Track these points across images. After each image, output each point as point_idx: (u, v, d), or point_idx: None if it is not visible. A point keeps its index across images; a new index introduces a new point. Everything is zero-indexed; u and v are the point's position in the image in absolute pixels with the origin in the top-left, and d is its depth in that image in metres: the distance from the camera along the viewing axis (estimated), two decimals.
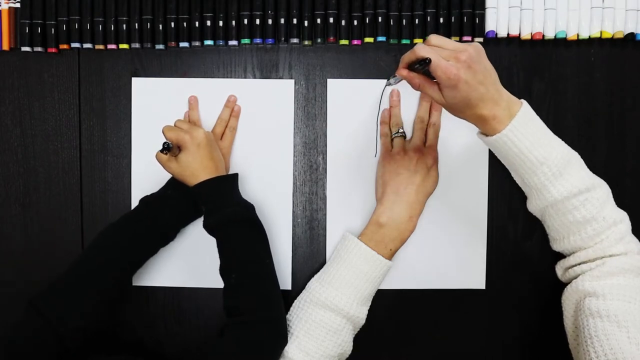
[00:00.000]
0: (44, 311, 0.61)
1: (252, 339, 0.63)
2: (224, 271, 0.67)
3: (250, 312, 0.64)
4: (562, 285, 0.69)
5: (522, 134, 0.61)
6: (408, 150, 0.73)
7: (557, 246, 0.70)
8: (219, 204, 0.68)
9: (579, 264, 0.66)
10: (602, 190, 0.65)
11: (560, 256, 0.72)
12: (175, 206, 0.72)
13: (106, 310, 0.68)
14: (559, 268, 0.71)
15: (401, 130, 0.74)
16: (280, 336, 0.66)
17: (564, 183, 0.63)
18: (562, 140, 0.67)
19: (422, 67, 0.60)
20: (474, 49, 0.59)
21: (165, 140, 0.67)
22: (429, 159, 0.73)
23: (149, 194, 0.73)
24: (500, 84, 0.62)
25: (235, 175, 0.72)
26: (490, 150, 0.75)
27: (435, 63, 0.58)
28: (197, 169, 0.67)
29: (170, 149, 0.66)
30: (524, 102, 0.63)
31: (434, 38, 0.61)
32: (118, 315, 0.77)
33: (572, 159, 0.65)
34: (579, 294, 0.64)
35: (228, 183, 0.70)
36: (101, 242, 0.69)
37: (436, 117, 0.75)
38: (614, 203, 0.66)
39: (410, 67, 0.62)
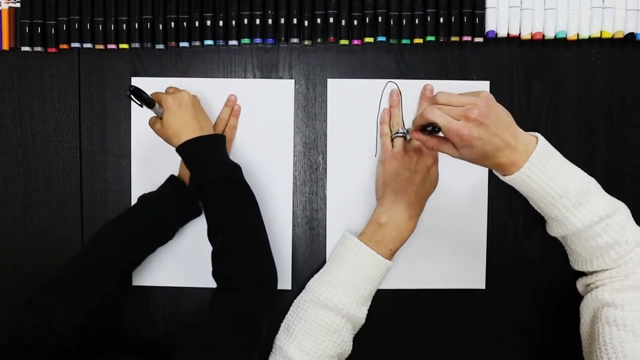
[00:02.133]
0: (44, 311, 0.61)
1: (239, 305, 0.61)
2: (210, 235, 0.66)
3: (237, 277, 0.63)
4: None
5: (539, 170, 0.61)
6: (408, 150, 0.73)
7: (578, 267, 0.70)
8: (203, 163, 0.66)
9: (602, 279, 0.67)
10: (622, 214, 0.65)
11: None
12: (174, 204, 0.72)
13: (106, 309, 0.67)
14: (581, 285, 0.70)
15: (401, 130, 0.74)
16: (268, 300, 0.64)
17: (584, 212, 0.63)
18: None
19: (433, 131, 0.60)
20: (484, 102, 0.58)
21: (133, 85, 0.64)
22: (429, 159, 0.73)
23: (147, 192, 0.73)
24: (515, 124, 0.61)
25: (221, 136, 0.70)
26: None
27: (446, 127, 0.58)
28: (179, 128, 0.66)
29: (139, 96, 0.62)
30: (540, 138, 0.63)
31: (440, 96, 0.60)
32: (118, 315, 0.77)
33: (591, 187, 0.64)
34: (598, 303, 0.64)
35: (212, 143, 0.68)
36: (99, 240, 0.69)
37: None
38: (635, 224, 0.66)
39: (423, 129, 0.62)
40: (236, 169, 0.68)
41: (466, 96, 0.60)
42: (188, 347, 0.59)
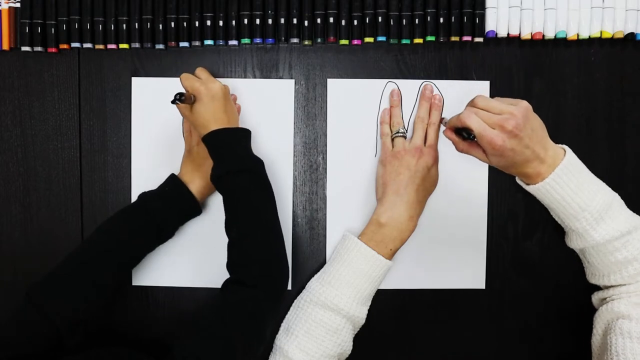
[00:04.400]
0: (41, 304, 0.61)
1: (247, 299, 0.61)
2: (227, 226, 0.66)
3: (248, 270, 0.63)
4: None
5: (564, 182, 0.62)
6: (408, 150, 0.73)
7: (595, 281, 0.70)
8: (226, 155, 0.67)
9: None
10: None
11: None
12: (174, 203, 0.72)
13: (103, 305, 0.67)
14: (596, 299, 0.71)
15: (402, 130, 0.74)
16: (277, 297, 0.64)
17: (605, 227, 0.63)
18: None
19: (467, 136, 0.60)
20: (522, 113, 0.58)
21: (180, 91, 0.66)
22: (429, 159, 0.73)
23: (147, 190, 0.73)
24: (547, 136, 0.61)
25: (247, 131, 0.70)
26: None
27: (481, 134, 0.58)
28: (208, 120, 0.67)
29: (182, 101, 0.65)
30: (568, 151, 0.63)
31: (480, 101, 0.60)
32: (118, 315, 0.77)
33: (614, 202, 0.65)
34: (613, 315, 0.64)
35: (238, 135, 0.69)
36: (98, 235, 0.69)
37: (436, 117, 0.75)
38: None
39: (457, 131, 0.62)
40: (258, 163, 0.69)
41: (505, 104, 0.60)
42: (191, 334, 0.59)
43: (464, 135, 0.61)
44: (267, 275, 0.63)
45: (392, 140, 0.74)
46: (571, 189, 0.62)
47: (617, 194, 0.66)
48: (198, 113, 0.67)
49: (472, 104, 0.61)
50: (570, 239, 0.69)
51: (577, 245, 0.68)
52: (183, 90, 0.67)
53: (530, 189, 0.64)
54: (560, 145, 0.65)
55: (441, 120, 0.73)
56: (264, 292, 0.62)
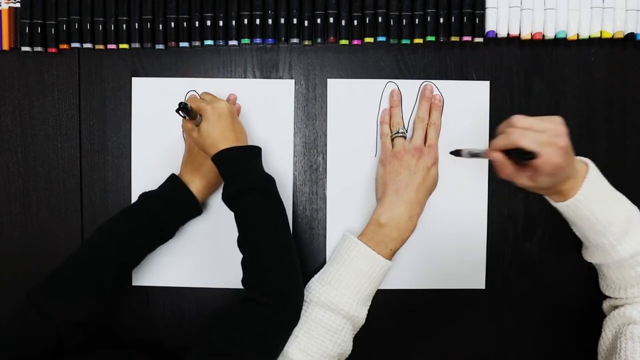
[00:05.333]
0: (42, 306, 0.61)
1: (261, 317, 0.61)
2: (240, 244, 0.66)
3: (261, 288, 0.63)
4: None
5: (592, 195, 0.61)
6: (408, 150, 0.73)
7: (609, 293, 0.70)
8: (237, 174, 0.66)
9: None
10: None
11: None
12: (174, 203, 0.72)
13: (103, 306, 0.67)
14: (607, 306, 0.70)
15: (402, 130, 0.74)
16: (290, 315, 0.64)
17: (630, 241, 0.63)
18: None
19: (523, 158, 0.58)
20: (564, 128, 0.58)
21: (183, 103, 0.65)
22: (429, 159, 0.72)
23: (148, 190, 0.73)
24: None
25: (257, 148, 0.70)
26: None
27: (540, 154, 0.56)
28: (217, 139, 0.66)
29: (186, 110, 0.65)
30: (590, 165, 0.63)
31: (519, 121, 0.59)
32: (118, 315, 0.77)
33: (634, 215, 0.65)
34: (625, 320, 0.64)
35: (248, 154, 0.68)
36: (99, 236, 0.69)
37: (436, 117, 0.75)
38: None
39: (506, 152, 0.60)
40: (270, 182, 0.68)
41: (542, 121, 0.59)
42: (203, 349, 0.59)
43: (517, 156, 0.59)
44: (280, 295, 0.63)
45: (392, 140, 0.74)
46: (599, 203, 0.61)
47: (635, 206, 0.66)
48: (206, 132, 0.67)
49: (511, 124, 0.59)
50: (591, 254, 0.68)
51: (598, 260, 0.67)
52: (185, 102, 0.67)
53: (559, 205, 0.63)
54: (581, 158, 0.64)
55: (456, 152, 0.71)
56: (277, 312, 0.62)
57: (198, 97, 0.70)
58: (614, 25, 0.74)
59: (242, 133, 0.70)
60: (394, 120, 0.75)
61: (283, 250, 0.66)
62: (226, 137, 0.67)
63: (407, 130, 0.75)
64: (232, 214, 0.67)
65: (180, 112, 0.64)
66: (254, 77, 0.77)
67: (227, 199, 0.67)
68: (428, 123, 0.75)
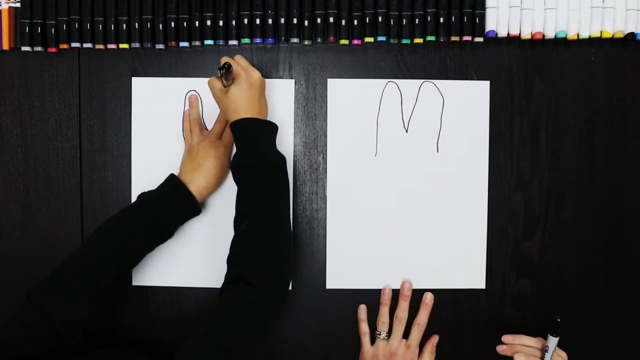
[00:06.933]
0: (42, 306, 0.61)
1: (249, 298, 0.61)
2: (237, 219, 0.66)
3: (253, 266, 0.62)
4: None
5: None
6: (384, 354, 0.73)
7: None
8: (251, 146, 0.66)
9: None
10: None
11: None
12: (173, 203, 0.71)
13: (103, 306, 0.67)
14: None
15: (384, 334, 0.74)
16: (279, 297, 0.64)
17: None
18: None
19: None
20: None
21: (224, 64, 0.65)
22: None
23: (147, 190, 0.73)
24: None
25: (275, 126, 0.70)
26: (490, 150, 0.75)
27: None
28: (241, 106, 0.67)
29: (228, 72, 0.64)
30: None
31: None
32: (118, 315, 0.77)
33: None
34: None
35: (266, 128, 0.69)
36: (98, 236, 0.69)
37: (423, 317, 0.75)
38: None
39: None
40: (281, 160, 0.68)
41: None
42: (192, 339, 0.58)
43: None
44: (271, 274, 0.63)
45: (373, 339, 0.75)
46: None
47: None
48: (233, 96, 0.67)
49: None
50: None
51: None
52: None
53: None
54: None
55: (387, 335, 0.74)
56: (266, 294, 0.62)
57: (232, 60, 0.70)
58: (614, 25, 0.74)
59: (265, 108, 0.70)
60: (380, 319, 0.75)
61: (281, 231, 0.66)
62: (250, 107, 0.67)
63: (389, 334, 0.75)
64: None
65: (221, 70, 0.64)
66: None
67: (237, 167, 0.67)
68: (413, 322, 0.75)
